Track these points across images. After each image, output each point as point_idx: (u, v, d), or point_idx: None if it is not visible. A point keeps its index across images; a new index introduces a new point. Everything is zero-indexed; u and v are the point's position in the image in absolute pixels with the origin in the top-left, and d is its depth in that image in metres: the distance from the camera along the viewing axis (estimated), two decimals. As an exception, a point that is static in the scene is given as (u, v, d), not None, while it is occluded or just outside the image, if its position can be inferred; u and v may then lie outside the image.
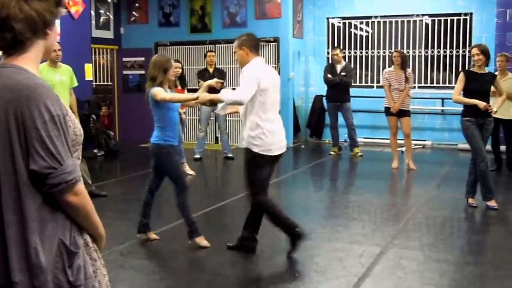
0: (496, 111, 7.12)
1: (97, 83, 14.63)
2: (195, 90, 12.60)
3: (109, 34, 14.00)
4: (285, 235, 5.35)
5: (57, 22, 2.05)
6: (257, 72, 5.11)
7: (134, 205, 7.67)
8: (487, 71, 7.24)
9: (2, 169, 1.89)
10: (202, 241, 5.60)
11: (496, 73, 8.35)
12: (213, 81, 5.81)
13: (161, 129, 5.57)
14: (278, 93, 5.39)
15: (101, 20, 13.75)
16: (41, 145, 1.85)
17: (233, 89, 5.46)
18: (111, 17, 14.04)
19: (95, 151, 11.75)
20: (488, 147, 7.98)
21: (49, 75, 6.88)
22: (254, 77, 5.04)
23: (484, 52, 7.08)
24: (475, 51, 7.14)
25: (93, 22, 13.11)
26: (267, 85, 5.11)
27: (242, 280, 4.94)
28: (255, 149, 5.13)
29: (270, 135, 5.16)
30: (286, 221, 5.27)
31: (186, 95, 5.85)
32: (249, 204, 5.42)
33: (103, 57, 14.93)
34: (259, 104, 5.10)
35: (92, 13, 12.95)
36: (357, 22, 13.68)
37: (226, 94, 5.11)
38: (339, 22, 13.80)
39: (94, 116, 11.67)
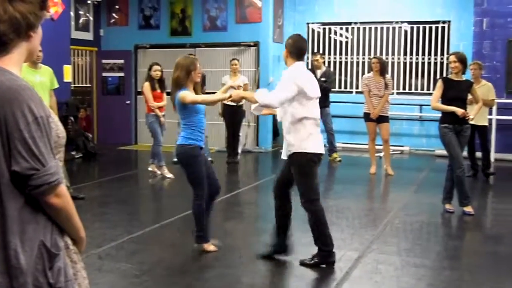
0: (473, 118, 7.22)
1: (76, 85, 14.57)
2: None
3: (88, 36, 13.93)
4: (264, 239, 5.35)
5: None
6: (296, 77, 5.01)
7: (112, 207, 7.66)
8: (464, 79, 7.33)
9: (-16, 170, 1.88)
10: (209, 247, 5.58)
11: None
12: (235, 84, 5.77)
13: (189, 131, 5.41)
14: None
15: (81, 21, 13.67)
16: (23, 146, 1.84)
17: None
18: (91, 18, 13.96)
19: (73, 153, 11.67)
20: (465, 153, 8.08)
21: (29, 76, 6.82)
22: (293, 82, 4.96)
23: (461, 59, 7.17)
24: (452, 58, 7.23)
25: (73, 23, 13.04)
26: (306, 89, 5.02)
27: (221, 284, 4.93)
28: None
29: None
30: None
31: (217, 95, 5.72)
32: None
33: (82, 59, 14.86)
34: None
35: (72, 14, 12.87)
36: (337, 27, 13.77)
37: (260, 96, 5.06)
38: (319, 28, 13.88)
39: (72, 118, 11.61)
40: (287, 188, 5.38)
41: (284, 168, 5.32)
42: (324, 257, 5.22)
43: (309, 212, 5.21)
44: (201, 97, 5.44)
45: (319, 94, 5.25)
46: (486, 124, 9.72)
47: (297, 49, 5.18)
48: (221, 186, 5.71)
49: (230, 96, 5.27)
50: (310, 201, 5.17)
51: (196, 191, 5.48)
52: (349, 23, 13.58)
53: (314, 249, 5.27)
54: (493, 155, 11.19)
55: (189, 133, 5.41)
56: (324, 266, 5.20)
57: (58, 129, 2.04)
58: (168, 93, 10.24)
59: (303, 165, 5.11)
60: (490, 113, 10.89)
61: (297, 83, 4.96)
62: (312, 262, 5.22)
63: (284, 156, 5.30)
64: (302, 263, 5.24)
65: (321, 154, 5.16)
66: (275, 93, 5.03)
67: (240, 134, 11.98)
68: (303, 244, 5.67)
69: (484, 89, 9.25)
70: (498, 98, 10.53)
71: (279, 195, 5.41)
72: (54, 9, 10.86)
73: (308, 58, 13.62)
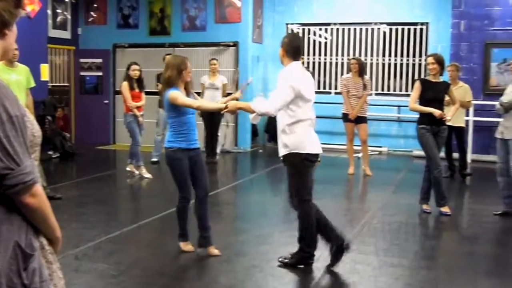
0: (450, 119, 7.28)
1: (54, 84, 14.42)
2: (153, 93, 12.57)
3: (66, 34, 13.80)
4: (243, 239, 5.35)
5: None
6: (292, 79, 4.97)
7: (89, 208, 7.61)
8: (441, 80, 7.39)
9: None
10: (185, 246, 5.55)
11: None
12: (237, 95, 5.79)
13: (173, 133, 5.35)
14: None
15: (58, 19, 13.54)
16: (-2, 145, 1.82)
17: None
18: (69, 17, 13.84)
19: (50, 152, 11.56)
20: (442, 154, 8.15)
21: (5, 75, 6.74)
22: (289, 85, 4.92)
23: (439, 61, 7.24)
24: (430, 60, 7.29)
25: (50, 21, 12.91)
26: (302, 91, 4.99)
27: (199, 284, 4.92)
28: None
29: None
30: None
31: (215, 104, 5.64)
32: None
33: (59, 58, 14.72)
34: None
35: (49, 12, 12.75)
36: (316, 28, 13.81)
37: (257, 105, 5.03)
38: (298, 28, 13.91)
39: (49, 117, 11.49)
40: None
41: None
42: (304, 258, 5.23)
43: (301, 212, 5.20)
44: (197, 103, 5.37)
45: (314, 96, 5.21)
46: (463, 125, 9.81)
47: (293, 48, 5.15)
48: (206, 189, 5.64)
49: (227, 107, 5.21)
50: (303, 201, 5.16)
51: (179, 193, 5.48)
52: (328, 24, 13.63)
53: (293, 249, 5.28)
54: (469, 156, 11.31)
55: (172, 135, 5.36)
56: (301, 266, 5.22)
57: (34, 128, 2.02)
58: (146, 93, 10.25)
59: (297, 165, 5.11)
60: (467, 115, 10.99)
61: (293, 85, 4.93)
62: (289, 261, 5.23)
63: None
64: (281, 262, 5.25)
65: (317, 154, 5.15)
66: (272, 100, 4.99)
67: (219, 134, 11.97)
68: (282, 244, 5.68)
69: (461, 90, 9.33)
70: (475, 100, 10.63)
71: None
72: (31, 7, 10.75)
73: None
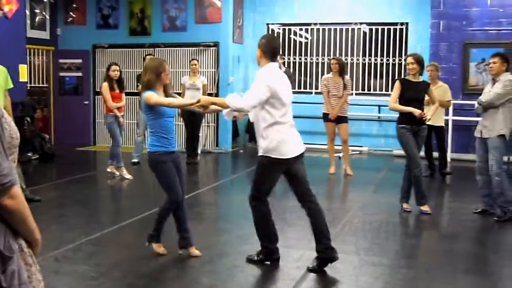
0: (430, 119, 7.34)
1: (32, 85, 14.29)
2: (133, 94, 12.51)
3: (45, 35, 13.70)
4: (224, 240, 5.34)
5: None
6: (269, 79, 4.95)
7: (69, 209, 7.56)
8: (421, 80, 7.44)
9: None
10: (159, 248, 5.52)
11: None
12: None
13: (155, 137, 5.31)
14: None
15: (37, 20, 13.43)
16: (-25, 147, 1.80)
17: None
18: (47, 17, 13.74)
19: (30, 154, 11.46)
20: (422, 153, 8.21)
21: (-18, 76, 6.67)
22: (265, 84, 4.91)
23: (419, 61, 7.29)
24: (410, 60, 7.34)
25: (28, 21, 12.80)
26: (278, 91, 4.98)
27: (179, 285, 4.91)
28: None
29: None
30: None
31: (185, 100, 5.59)
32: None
33: (38, 58, 14.59)
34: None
35: (27, 12, 12.63)
36: (297, 28, 13.84)
37: (232, 100, 5.00)
38: (279, 28, 13.93)
39: (28, 119, 11.38)
40: (305, 187, 5.38)
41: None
42: (266, 254, 5.32)
43: (251, 206, 5.30)
44: (167, 100, 5.29)
45: (291, 97, 5.20)
46: (443, 124, 9.89)
47: (271, 49, 5.11)
48: (185, 191, 5.62)
49: (199, 101, 5.18)
50: (253, 197, 5.25)
51: (168, 196, 5.40)
52: (309, 24, 13.67)
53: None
54: (449, 155, 11.41)
55: (155, 139, 5.33)
56: (268, 263, 5.29)
57: (11, 130, 2.00)
58: (127, 94, 10.20)
59: (264, 166, 5.14)
60: (447, 114, 11.09)
61: (269, 85, 4.91)
62: (257, 258, 5.33)
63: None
64: (249, 260, 5.33)
65: (289, 159, 5.11)
66: (247, 97, 4.98)
67: (200, 134, 11.95)
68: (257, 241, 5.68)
69: (441, 90, 9.41)
70: (454, 99, 10.72)
71: (300, 199, 5.40)
72: (8, 7, 10.63)
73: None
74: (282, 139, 5.03)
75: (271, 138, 5.01)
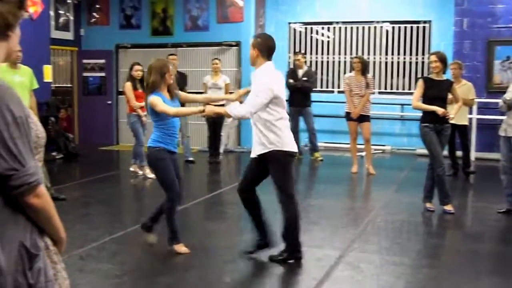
0: (453, 117, 7.28)
1: (56, 85, 14.45)
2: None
3: (69, 36, 13.84)
4: (247, 239, 5.36)
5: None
6: (270, 82, 5.01)
7: (93, 208, 7.63)
8: (444, 78, 7.39)
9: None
10: (180, 248, 5.54)
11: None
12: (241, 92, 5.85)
13: (159, 134, 5.38)
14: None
15: (61, 21, 13.57)
16: (3, 146, 1.83)
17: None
18: (71, 18, 13.87)
19: (54, 153, 11.59)
20: (445, 152, 8.15)
21: (8, 76, 6.77)
22: (268, 88, 4.96)
23: (442, 59, 7.23)
24: (433, 58, 7.29)
25: (53, 22, 12.94)
26: (279, 92, 5.07)
27: (202, 284, 4.94)
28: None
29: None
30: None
31: (190, 109, 5.64)
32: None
33: (62, 59, 14.75)
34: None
35: (52, 13, 12.78)
36: (318, 27, 13.81)
37: (233, 110, 5.08)
38: (301, 27, 13.90)
39: (52, 118, 11.52)
40: (255, 185, 5.51)
41: (253, 167, 5.41)
42: (292, 252, 5.32)
43: (286, 206, 5.30)
44: (173, 110, 5.33)
45: (284, 94, 5.29)
46: (467, 123, 9.81)
47: (267, 48, 5.14)
48: (183, 196, 5.69)
49: (203, 111, 5.22)
50: (288, 196, 5.27)
51: (167, 194, 5.44)
52: (331, 23, 13.63)
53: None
54: (473, 154, 11.30)
55: (158, 136, 5.39)
56: (291, 261, 5.29)
57: (38, 130, 2.03)
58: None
59: (283, 161, 5.18)
60: (470, 113, 10.99)
61: (272, 89, 4.96)
62: (280, 257, 5.32)
63: (253, 154, 5.32)
64: (271, 259, 5.33)
65: (295, 152, 5.24)
66: (248, 104, 5.02)
67: (222, 133, 11.98)
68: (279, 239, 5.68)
69: (464, 88, 9.33)
70: (478, 98, 10.63)
71: (246, 193, 5.56)
72: (34, 9, 10.78)
73: (289, 58, 13.65)
74: (290, 134, 5.18)
75: (278, 132, 5.08)
